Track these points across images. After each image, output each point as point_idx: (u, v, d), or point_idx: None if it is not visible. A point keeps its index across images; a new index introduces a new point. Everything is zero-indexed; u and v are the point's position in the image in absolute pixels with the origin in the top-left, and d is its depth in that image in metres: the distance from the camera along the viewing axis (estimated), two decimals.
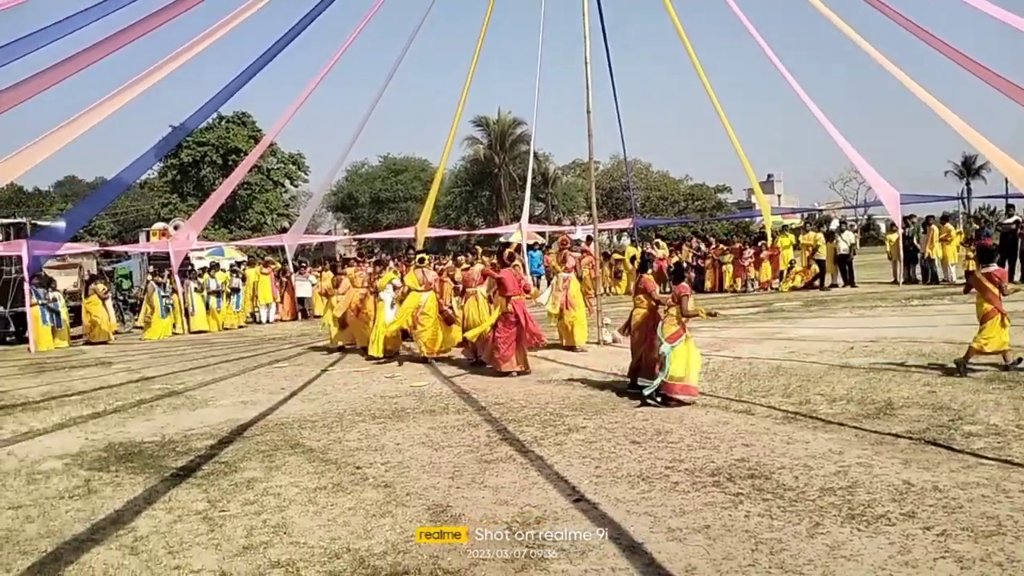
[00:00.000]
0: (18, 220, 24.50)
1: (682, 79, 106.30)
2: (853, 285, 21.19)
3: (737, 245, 23.96)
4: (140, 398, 9.89)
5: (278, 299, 23.48)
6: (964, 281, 19.45)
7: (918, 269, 21.19)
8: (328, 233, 57.81)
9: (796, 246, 23.71)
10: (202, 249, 26.28)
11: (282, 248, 26.61)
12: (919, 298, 16.64)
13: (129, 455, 6.80)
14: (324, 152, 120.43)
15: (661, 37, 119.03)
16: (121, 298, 23.89)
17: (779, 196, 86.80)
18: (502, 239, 31.69)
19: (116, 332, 19.80)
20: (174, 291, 20.04)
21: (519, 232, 26.43)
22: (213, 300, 21.08)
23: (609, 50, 25.57)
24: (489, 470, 5.66)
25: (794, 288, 21.87)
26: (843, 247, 21.58)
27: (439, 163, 27.78)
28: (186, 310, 20.28)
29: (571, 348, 11.86)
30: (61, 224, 20.49)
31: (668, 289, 8.07)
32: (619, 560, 3.95)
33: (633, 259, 11.33)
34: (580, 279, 12.87)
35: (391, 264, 16.84)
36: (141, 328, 22.32)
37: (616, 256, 26.93)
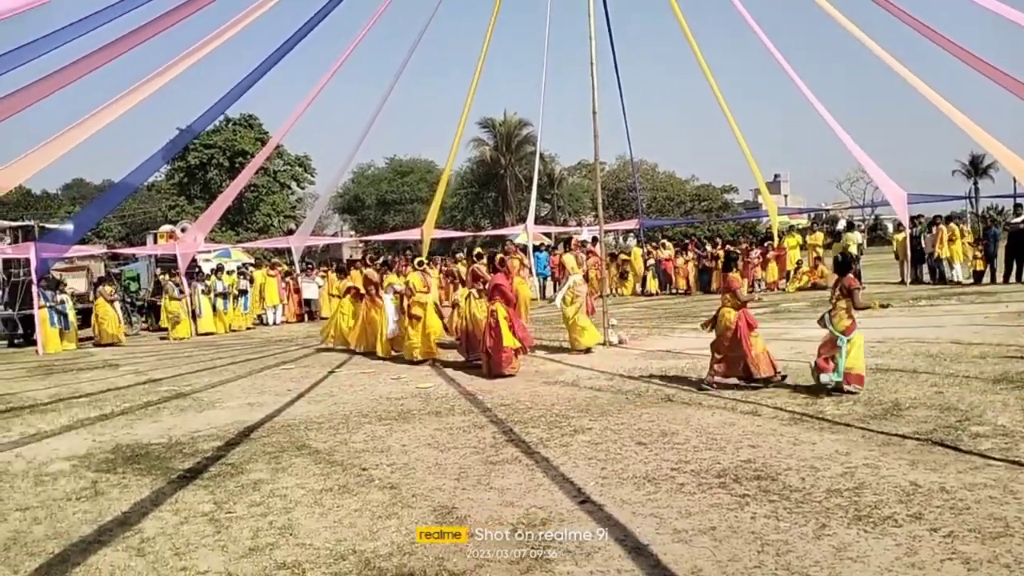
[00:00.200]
0: (26, 223, 24.64)
1: (687, 79, 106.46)
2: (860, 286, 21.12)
3: (744, 245, 23.89)
4: (147, 400, 9.93)
5: (284, 301, 23.54)
6: (971, 281, 19.52)
7: (925, 269, 21.13)
8: (335, 235, 57.96)
9: (803, 246, 23.67)
10: (209, 251, 26.36)
11: (289, 250, 26.68)
12: (926, 298, 16.58)
13: (136, 457, 6.83)
14: (330, 154, 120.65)
15: (664, 37, 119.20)
16: (129, 300, 23.98)
17: (786, 196, 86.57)
18: (508, 240, 31.73)
19: (125, 334, 19.87)
20: (181, 292, 20.10)
21: (525, 233, 26.47)
22: (220, 302, 21.15)
23: (615, 51, 25.55)
24: (495, 471, 5.66)
25: (801, 288, 21.82)
26: (851, 248, 21.51)
27: (445, 165, 27.82)
28: (193, 312, 20.34)
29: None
30: (69, 227, 20.58)
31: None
32: (625, 562, 3.94)
33: (716, 257, 11.35)
34: (587, 280, 12.85)
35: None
36: (148, 330, 22.46)
37: (623, 257, 26.92)
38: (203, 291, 20.68)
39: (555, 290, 25.68)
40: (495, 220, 52.65)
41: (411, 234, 31.03)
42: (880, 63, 15.39)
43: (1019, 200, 21.00)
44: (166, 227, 30.05)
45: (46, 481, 6.18)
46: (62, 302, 18.08)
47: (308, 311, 23.29)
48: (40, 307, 17.43)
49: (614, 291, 24.08)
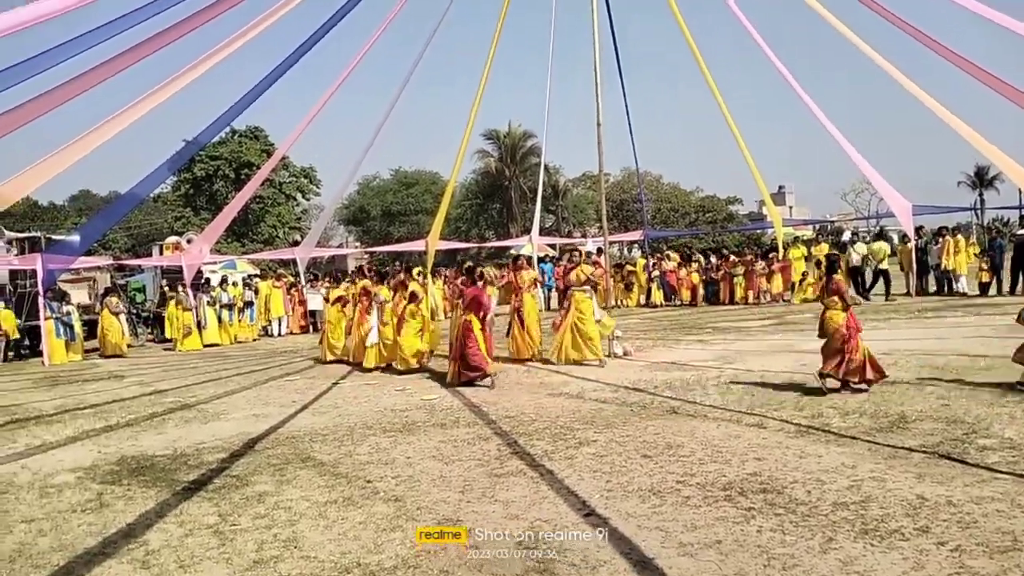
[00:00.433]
0: (33, 234, 24.73)
1: (691, 91, 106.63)
2: (866, 298, 21.08)
3: (749, 257, 23.88)
4: (152, 411, 9.94)
5: (290, 312, 23.57)
6: (977, 293, 19.46)
7: (931, 280, 21.09)
8: (340, 246, 58.06)
9: (808, 258, 23.62)
10: (215, 262, 26.43)
11: (294, 261, 26.73)
12: (932, 310, 16.54)
13: (141, 468, 6.83)
14: (336, 165, 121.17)
15: (667, 49, 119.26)
16: (134, 312, 24.04)
17: (791, 208, 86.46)
18: (513, 251, 31.73)
19: (130, 346, 19.92)
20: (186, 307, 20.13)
21: (530, 245, 26.47)
22: (225, 313, 21.18)
23: (621, 63, 25.60)
24: (500, 484, 5.65)
25: (806, 300, 21.77)
26: (855, 259, 21.48)
27: (450, 176, 27.87)
28: (198, 323, 20.36)
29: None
30: (75, 238, 20.69)
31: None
32: (630, 575, 3.93)
33: (819, 263, 11.41)
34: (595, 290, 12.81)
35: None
36: (154, 342, 22.50)
37: (628, 268, 26.91)
38: (208, 302, 20.72)
39: (560, 302, 25.73)
40: (500, 232, 52.72)
41: (416, 245, 31.05)
42: (884, 74, 15.40)
43: None
44: (172, 239, 30.14)
45: (51, 493, 6.18)
46: (68, 313, 18.12)
47: (313, 322, 23.30)
48: (46, 318, 17.48)
49: (619, 303, 24.05)
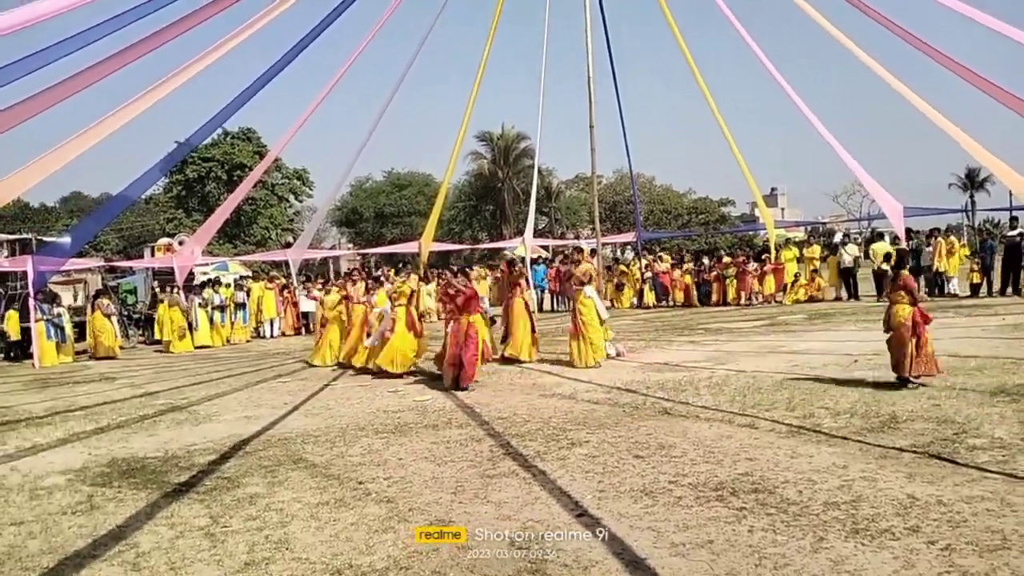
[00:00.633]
0: (23, 236, 24.64)
1: (682, 93, 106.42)
2: (856, 298, 21.16)
3: (741, 258, 23.95)
4: (143, 413, 9.90)
5: (282, 314, 23.52)
6: (968, 294, 19.55)
7: (922, 282, 21.16)
8: (332, 248, 57.97)
9: (800, 259, 23.71)
10: (207, 264, 26.36)
11: (286, 263, 26.68)
12: None
13: (132, 471, 6.80)
14: (328, 167, 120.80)
15: (659, 50, 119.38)
16: (126, 313, 23.95)
17: (783, 209, 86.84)
18: (506, 253, 31.73)
19: (121, 347, 19.84)
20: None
21: (523, 246, 26.48)
22: (217, 315, 21.12)
23: (614, 65, 25.66)
24: (492, 485, 5.65)
25: (797, 301, 21.86)
26: (847, 260, 21.56)
27: (443, 178, 27.87)
28: (189, 324, 20.30)
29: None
30: (66, 240, 20.57)
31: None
32: (622, 575, 3.93)
33: (888, 256, 11.44)
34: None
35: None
36: (145, 343, 22.41)
37: (620, 268, 26.96)
38: (200, 304, 20.65)
39: (553, 302, 25.76)
40: (493, 233, 52.71)
41: (409, 247, 31.06)
42: (876, 76, 15.46)
43: (1015, 213, 21.04)
44: (164, 240, 30.07)
45: (41, 495, 6.15)
46: (59, 315, 18.05)
47: (305, 324, 23.26)
48: (37, 320, 17.40)
49: (612, 304, 24.09)
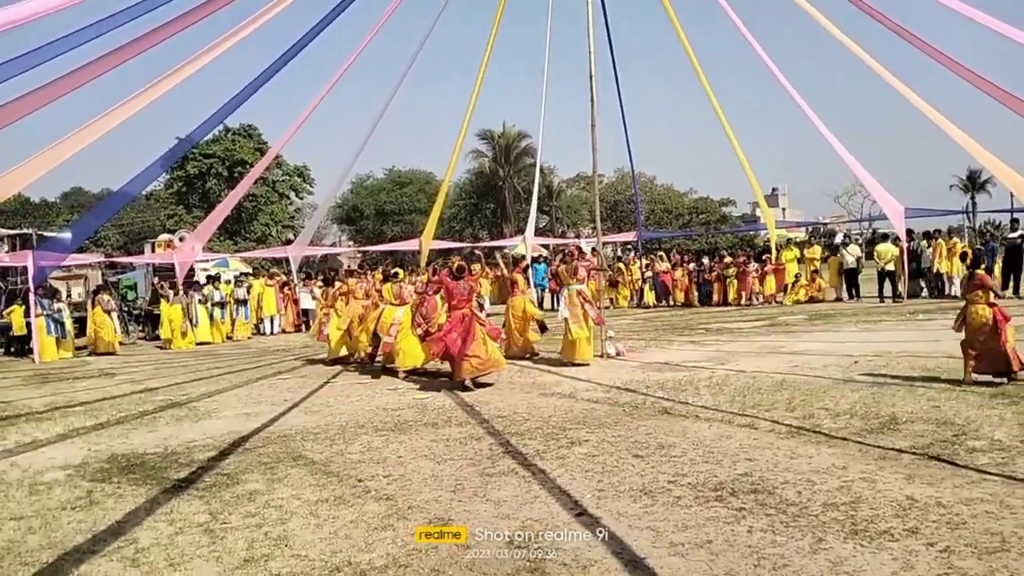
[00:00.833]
0: (24, 231, 24.64)
1: (682, 92, 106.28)
2: (858, 299, 21.16)
3: (742, 258, 23.93)
4: (143, 409, 9.90)
5: (282, 311, 23.52)
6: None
7: (921, 283, 21.17)
8: (333, 245, 57.95)
9: (801, 260, 23.70)
10: (207, 260, 26.35)
11: (287, 260, 26.69)
12: (923, 312, 16.61)
13: (131, 466, 6.81)
14: (329, 164, 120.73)
15: (659, 49, 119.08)
16: (126, 309, 23.95)
17: (784, 210, 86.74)
18: (506, 251, 31.73)
19: (121, 343, 19.85)
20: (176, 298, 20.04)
21: (523, 244, 26.47)
22: (217, 311, 21.12)
23: (616, 64, 25.65)
24: (491, 483, 5.65)
25: (798, 301, 21.85)
26: (849, 261, 21.55)
27: (444, 176, 27.85)
28: (190, 320, 20.30)
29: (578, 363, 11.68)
30: (67, 235, 20.62)
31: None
32: (621, 574, 3.94)
33: (964, 255, 11.45)
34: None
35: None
36: (145, 339, 22.41)
37: (618, 266, 26.95)
38: (200, 301, 20.65)
39: (553, 301, 25.74)
40: (493, 231, 52.69)
41: (409, 245, 31.04)
42: (877, 77, 15.46)
43: (1016, 215, 21.05)
44: (164, 236, 30.06)
45: (41, 490, 6.15)
46: (59, 310, 18.06)
47: (306, 321, 23.26)
48: (37, 315, 17.40)
49: (611, 303, 24.08)
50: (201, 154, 46.64)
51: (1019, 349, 8.30)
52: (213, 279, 22.23)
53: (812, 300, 21.84)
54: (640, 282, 25.43)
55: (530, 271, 22.91)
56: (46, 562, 4.55)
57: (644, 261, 26.68)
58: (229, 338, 21.38)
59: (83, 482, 6.34)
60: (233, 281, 23.00)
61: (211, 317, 20.94)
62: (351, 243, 57.80)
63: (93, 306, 19.27)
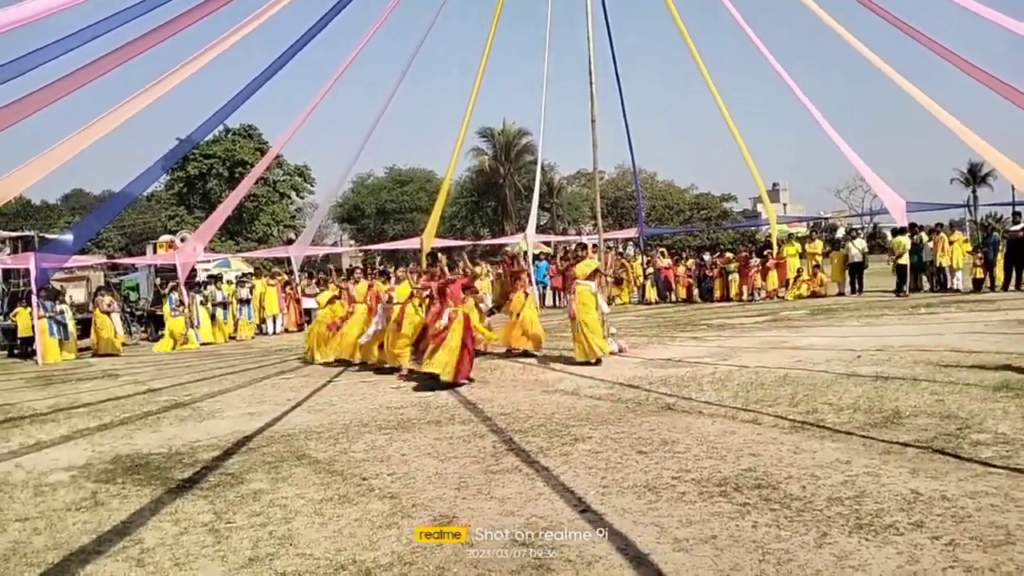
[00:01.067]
0: (26, 233, 24.67)
1: (682, 88, 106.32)
2: (860, 293, 21.16)
3: (743, 254, 23.92)
4: (147, 410, 9.91)
5: (285, 310, 23.55)
6: (970, 289, 19.53)
7: (923, 277, 21.16)
8: (334, 244, 57.98)
9: (802, 255, 23.69)
10: (208, 261, 26.38)
11: (288, 259, 26.72)
12: (926, 306, 16.60)
13: (136, 467, 6.81)
14: (330, 164, 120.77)
15: (657, 45, 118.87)
16: (128, 310, 23.98)
17: (785, 205, 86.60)
18: (508, 248, 31.70)
19: (124, 344, 19.87)
20: (180, 305, 20.05)
21: (525, 242, 26.45)
22: (219, 312, 21.14)
23: (616, 60, 25.59)
24: (495, 481, 5.65)
25: (800, 296, 21.84)
26: (855, 254, 21.53)
27: (444, 174, 27.86)
28: (191, 324, 20.32)
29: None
30: (69, 237, 20.64)
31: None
32: (626, 571, 3.93)
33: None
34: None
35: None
36: (148, 340, 22.43)
37: (621, 263, 26.91)
38: (201, 301, 20.67)
39: (555, 298, 25.74)
40: (494, 229, 52.72)
41: (411, 243, 31.05)
42: (876, 71, 15.44)
43: (1018, 208, 21.00)
44: (165, 237, 30.09)
45: (45, 491, 6.16)
46: (62, 312, 18.08)
47: (308, 320, 23.28)
48: (40, 317, 17.42)
49: (611, 300, 24.06)
50: (201, 155, 46.69)
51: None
52: (215, 279, 22.24)
53: (814, 295, 21.83)
54: (642, 279, 25.41)
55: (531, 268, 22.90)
56: (52, 563, 4.55)
57: (645, 257, 26.66)
58: (232, 338, 21.41)
59: (88, 483, 6.34)
60: (235, 281, 23.02)
61: (213, 317, 20.96)
62: (352, 242, 57.85)
63: (95, 307, 19.30)
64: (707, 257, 24.88)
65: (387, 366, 12.12)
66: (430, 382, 10.24)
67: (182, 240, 26.23)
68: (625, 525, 4.55)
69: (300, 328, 23.07)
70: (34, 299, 17.44)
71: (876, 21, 13.67)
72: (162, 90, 10.95)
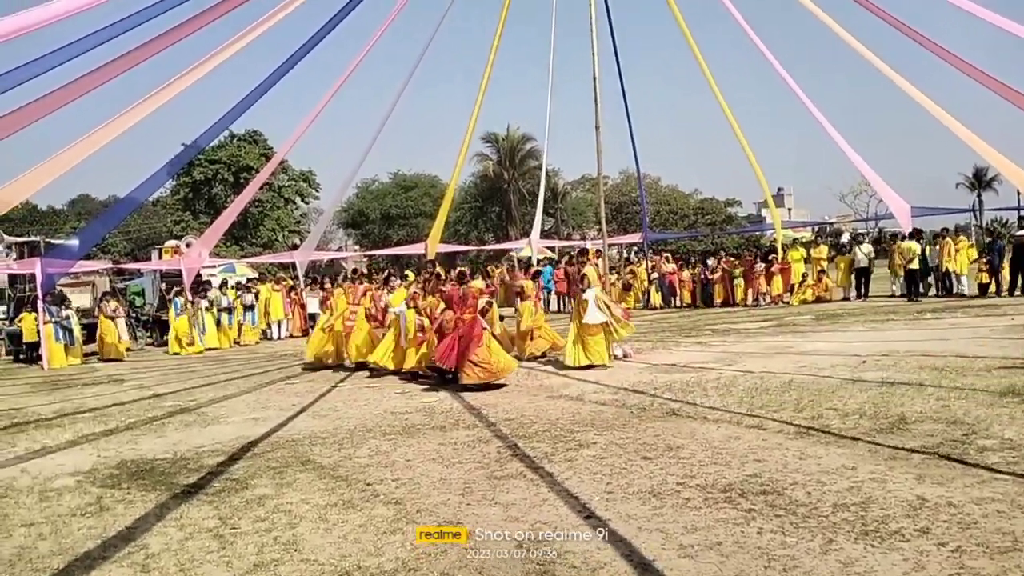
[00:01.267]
0: (32, 238, 24.75)
1: (685, 92, 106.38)
2: (865, 298, 21.11)
3: (748, 258, 23.88)
4: (152, 415, 9.93)
5: (289, 315, 23.57)
6: (976, 294, 19.47)
7: (930, 281, 21.10)
8: (339, 249, 58.06)
9: (807, 259, 23.64)
10: (214, 266, 26.43)
11: (293, 265, 26.77)
12: (931, 311, 16.55)
13: (141, 472, 6.82)
14: (335, 169, 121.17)
15: (660, 49, 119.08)
16: (134, 315, 24.04)
17: (789, 210, 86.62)
18: (512, 254, 31.73)
19: (129, 349, 19.91)
20: (184, 308, 20.09)
21: (529, 247, 26.49)
22: (225, 317, 21.18)
23: (620, 65, 25.61)
24: (500, 486, 5.65)
25: (805, 302, 21.80)
26: (861, 259, 21.48)
27: (449, 179, 27.89)
28: (196, 329, 20.33)
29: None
30: (74, 242, 20.69)
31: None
32: None
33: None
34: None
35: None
36: (153, 345, 22.48)
37: (631, 269, 26.88)
38: (206, 307, 20.70)
39: (560, 303, 25.73)
40: (499, 234, 52.73)
41: (415, 248, 31.11)
42: (880, 76, 15.42)
43: (1023, 212, 20.95)
44: (171, 242, 30.17)
45: (51, 497, 6.17)
46: (67, 317, 18.12)
47: (313, 325, 23.28)
48: (45, 322, 17.47)
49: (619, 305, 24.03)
50: (207, 160, 46.83)
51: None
52: (221, 285, 22.28)
53: (819, 300, 21.79)
54: (647, 284, 25.38)
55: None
56: (57, 568, 4.56)
57: (650, 263, 26.63)
58: (236, 343, 21.44)
59: (93, 488, 6.35)
60: (238, 287, 23.04)
61: (218, 323, 21.00)
62: (357, 247, 57.95)
63: (99, 313, 19.36)
64: (710, 262, 24.83)
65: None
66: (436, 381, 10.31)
67: (187, 245, 26.28)
68: (630, 531, 4.55)
69: (305, 333, 23.05)
70: (40, 304, 17.49)
71: (877, 23, 13.67)
72: (167, 96, 10.98)
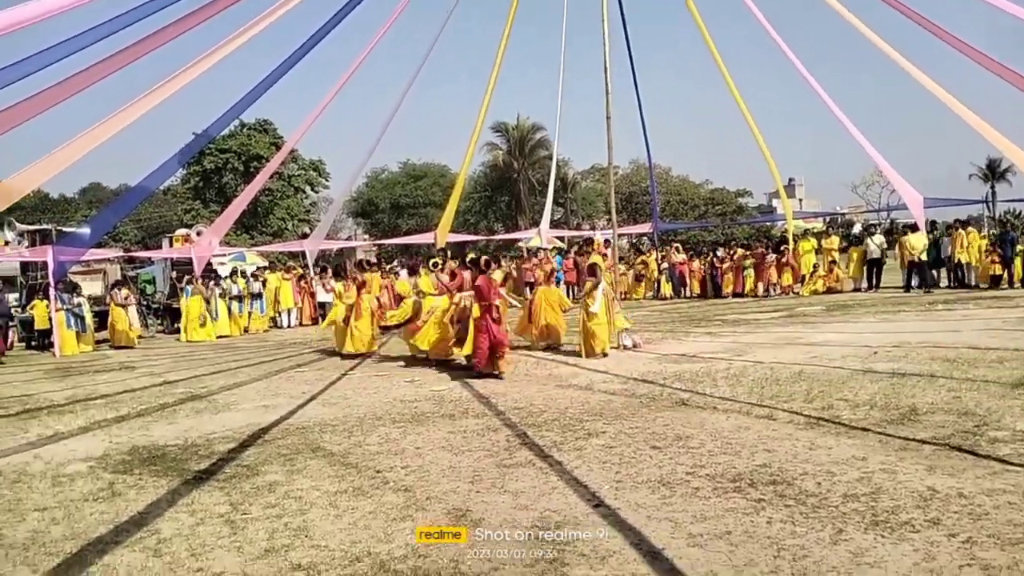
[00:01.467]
0: (44, 226, 24.87)
1: (697, 82, 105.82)
2: (876, 289, 21.02)
3: (759, 249, 23.79)
4: (163, 402, 9.99)
5: (299, 304, 23.64)
6: (988, 285, 19.35)
7: (943, 272, 20.99)
8: (348, 239, 58.13)
9: (818, 250, 23.55)
10: (224, 255, 26.53)
11: (303, 253, 26.84)
12: (943, 302, 16.46)
13: (152, 458, 6.87)
14: (344, 158, 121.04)
15: (672, 39, 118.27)
16: (145, 303, 24.16)
17: (800, 200, 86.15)
18: (522, 243, 31.70)
19: (140, 337, 20.03)
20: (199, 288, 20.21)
21: (539, 237, 26.46)
22: (235, 305, 21.29)
23: (632, 55, 25.51)
24: (509, 475, 5.66)
25: (815, 292, 21.73)
26: (873, 250, 21.37)
27: (459, 168, 27.87)
28: (210, 314, 20.43)
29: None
30: (86, 230, 20.79)
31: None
32: (640, 566, 3.93)
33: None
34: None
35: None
36: (164, 333, 22.60)
37: (642, 259, 26.81)
38: (219, 294, 20.82)
39: (571, 293, 25.72)
40: (508, 224, 52.69)
41: (425, 238, 31.12)
42: (895, 66, 15.32)
43: None
44: (181, 231, 30.26)
45: (64, 482, 6.22)
46: (79, 305, 18.23)
47: (323, 314, 23.35)
48: (57, 310, 17.59)
49: (625, 295, 24.02)
50: (217, 149, 46.95)
51: None
52: (232, 273, 22.38)
53: (830, 291, 21.71)
54: (656, 274, 25.32)
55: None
56: (70, 552, 4.60)
57: (660, 253, 26.57)
58: (246, 331, 21.54)
59: (105, 474, 6.40)
60: (246, 275, 23.13)
61: (229, 311, 21.12)
62: (366, 236, 57.99)
63: (110, 300, 19.48)
64: (720, 252, 24.74)
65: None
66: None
67: (198, 234, 26.37)
68: (639, 520, 4.55)
69: (315, 322, 23.13)
70: (51, 292, 17.60)
71: (891, 14, 13.56)
72: (178, 85, 11.01)
